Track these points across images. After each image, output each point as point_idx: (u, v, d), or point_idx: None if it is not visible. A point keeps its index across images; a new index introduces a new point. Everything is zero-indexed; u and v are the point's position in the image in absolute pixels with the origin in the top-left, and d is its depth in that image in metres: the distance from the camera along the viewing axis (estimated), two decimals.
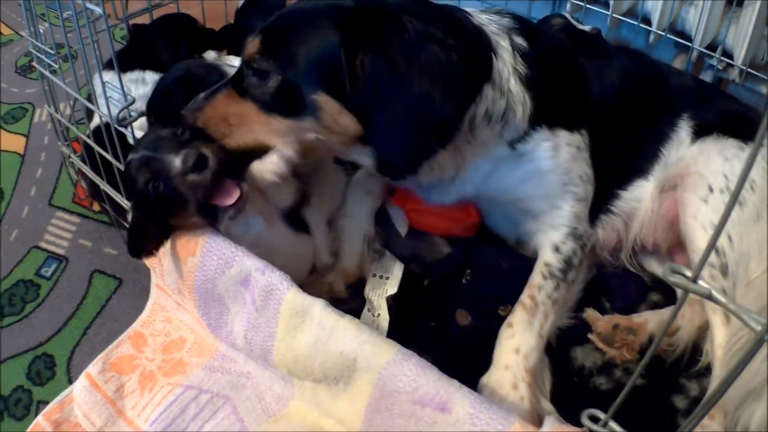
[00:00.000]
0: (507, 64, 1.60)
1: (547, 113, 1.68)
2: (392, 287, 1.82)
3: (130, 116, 1.78)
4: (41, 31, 2.06)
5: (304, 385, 1.64)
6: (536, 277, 1.71)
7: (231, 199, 1.58)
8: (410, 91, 1.39)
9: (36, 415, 1.82)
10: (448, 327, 1.80)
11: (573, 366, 1.74)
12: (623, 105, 1.86)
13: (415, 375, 1.39)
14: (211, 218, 1.66)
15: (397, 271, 1.86)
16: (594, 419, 1.01)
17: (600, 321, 1.78)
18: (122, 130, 1.82)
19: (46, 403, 1.85)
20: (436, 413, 1.38)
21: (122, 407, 1.77)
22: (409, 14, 1.42)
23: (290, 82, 1.49)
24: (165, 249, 1.75)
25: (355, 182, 1.99)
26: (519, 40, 1.66)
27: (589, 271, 1.85)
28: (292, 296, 1.55)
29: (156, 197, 1.60)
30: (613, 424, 0.98)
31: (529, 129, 1.66)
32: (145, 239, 1.69)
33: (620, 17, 2.43)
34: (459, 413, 1.35)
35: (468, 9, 1.67)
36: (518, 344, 1.60)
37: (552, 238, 1.74)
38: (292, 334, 1.56)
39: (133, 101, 1.79)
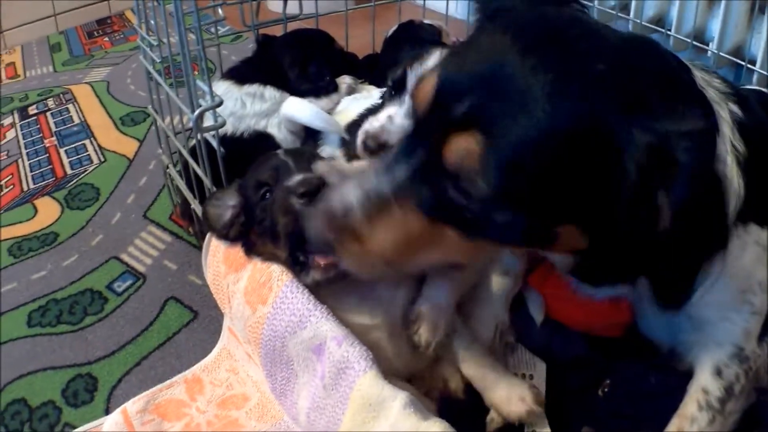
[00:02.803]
0: (726, 142, 1.26)
1: (747, 204, 1.33)
2: (540, 387, 1.52)
3: (216, 122, 1.61)
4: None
5: None
6: (690, 406, 1.42)
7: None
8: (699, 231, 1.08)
9: None
10: None
11: None
12: None
13: None
14: (295, 263, 1.43)
15: (540, 368, 1.56)
16: None
17: None
18: (207, 136, 1.64)
19: (73, 427, 1.68)
20: None
21: None
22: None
23: (530, 218, 1.09)
24: (236, 289, 1.54)
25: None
26: (735, 109, 1.34)
27: (748, 398, 1.51)
28: (369, 382, 1.27)
29: (255, 206, 1.47)
30: None
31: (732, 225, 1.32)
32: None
33: None
34: None
35: None
36: None
37: (714, 358, 1.45)
38: (359, 430, 1.29)
39: (220, 103, 1.59)
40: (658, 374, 1.55)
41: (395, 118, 1.60)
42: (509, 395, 1.43)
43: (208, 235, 1.67)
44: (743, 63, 2.24)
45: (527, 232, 1.11)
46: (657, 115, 1.01)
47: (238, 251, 1.55)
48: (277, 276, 1.45)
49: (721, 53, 2.32)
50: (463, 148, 1.02)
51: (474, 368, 1.46)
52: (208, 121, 1.62)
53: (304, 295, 1.41)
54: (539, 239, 1.13)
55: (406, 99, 1.56)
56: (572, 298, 1.54)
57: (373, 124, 1.62)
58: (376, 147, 1.58)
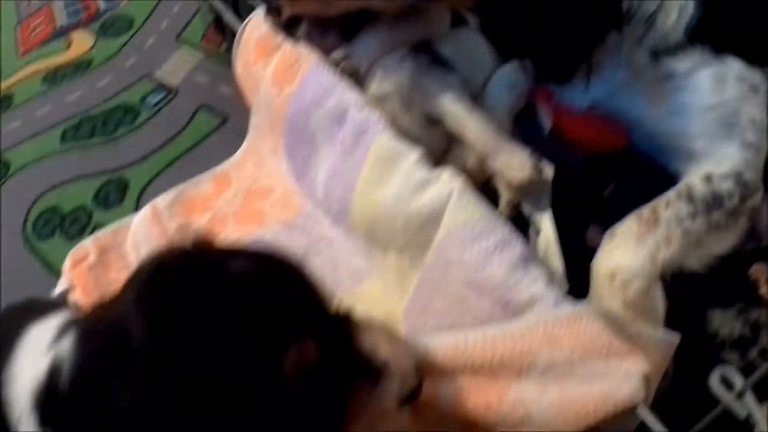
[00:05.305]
0: None
1: (716, 30, 1.33)
2: (545, 197, 1.52)
3: None
4: None
5: (387, 260, 1.43)
6: (669, 194, 1.35)
7: None
8: None
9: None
10: (574, 247, 1.48)
11: (705, 330, 1.47)
12: None
13: (485, 252, 1.17)
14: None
15: (548, 169, 1.53)
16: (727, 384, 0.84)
17: None
18: None
19: (103, 227, 1.77)
20: (495, 307, 1.16)
21: None
22: None
23: None
24: (264, 73, 1.60)
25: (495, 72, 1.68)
26: None
27: (744, 226, 1.42)
28: (385, 140, 1.36)
29: None
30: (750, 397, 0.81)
31: (685, 42, 1.33)
32: None
33: None
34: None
35: None
36: (616, 266, 1.27)
37: (708, 170, 1.36)
38: (373, 186, 1.36)
39: None
40: (664, 174, 1.55)
41: None
42: (510, 162, 1.47)
43: (241, 26, 1.72)
44: None
45: None
46: None
47: (269, 39, 1.61)
48: (305, 56, 1.53)
49: None
50: None
51: (476, 133, 1.50)
52: None
53: (329, 71, 1.48)
54: None
55: None
56: (576, 113, 1.57)
57: None
58: None
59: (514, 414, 1.07)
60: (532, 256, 1.19)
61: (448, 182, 1.27)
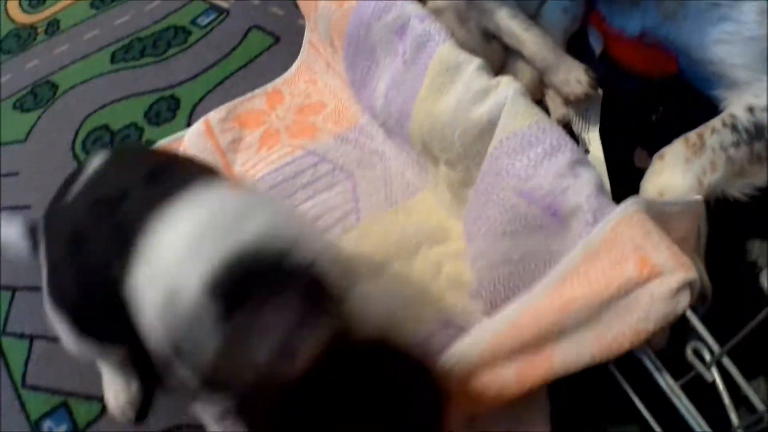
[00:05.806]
0: None
1: None
2: (595, 117, 1.58)
3: None
4: None
5: (439, 173, 1.47)
6: (714, 122, 1.42)
7: None
8: None
9: None
10: (621, 168, 1.55)
11: (744, 257, 1.51)
12: None
13: (534, 161, 1.18)
14: None
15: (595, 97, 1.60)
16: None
17: None
18: None
19: (154, 143, 1.83)
20: (545, 215, 1.17)
21: (231, 161, 1.70)
22: None
23: None
24: None
25: None
26: None
27: None
28: (447, 50, 1.38)
29: None
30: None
31: None
32: None
33: None
34: (572, 224, 1.14)
35: None
36: (664, 185, 1.34)
37: (749, 101, 1.43)
38: (435, 96, 1.39)
39: None
40: (710, 102, 1.55)
41: None
42: (567, 77, 1.52)
43: None
44: None
45: None
46: None
47: None
48: None
49: None
50: None
51: (534, 48, 1.55)
52: None
53: None
54: None
55: None
56: (628, 37, 1.59)
57: None
58: None
59: (567, 371, 1.11)
60: (580, 161, 1.19)
61: (504, 89, 1.29)
